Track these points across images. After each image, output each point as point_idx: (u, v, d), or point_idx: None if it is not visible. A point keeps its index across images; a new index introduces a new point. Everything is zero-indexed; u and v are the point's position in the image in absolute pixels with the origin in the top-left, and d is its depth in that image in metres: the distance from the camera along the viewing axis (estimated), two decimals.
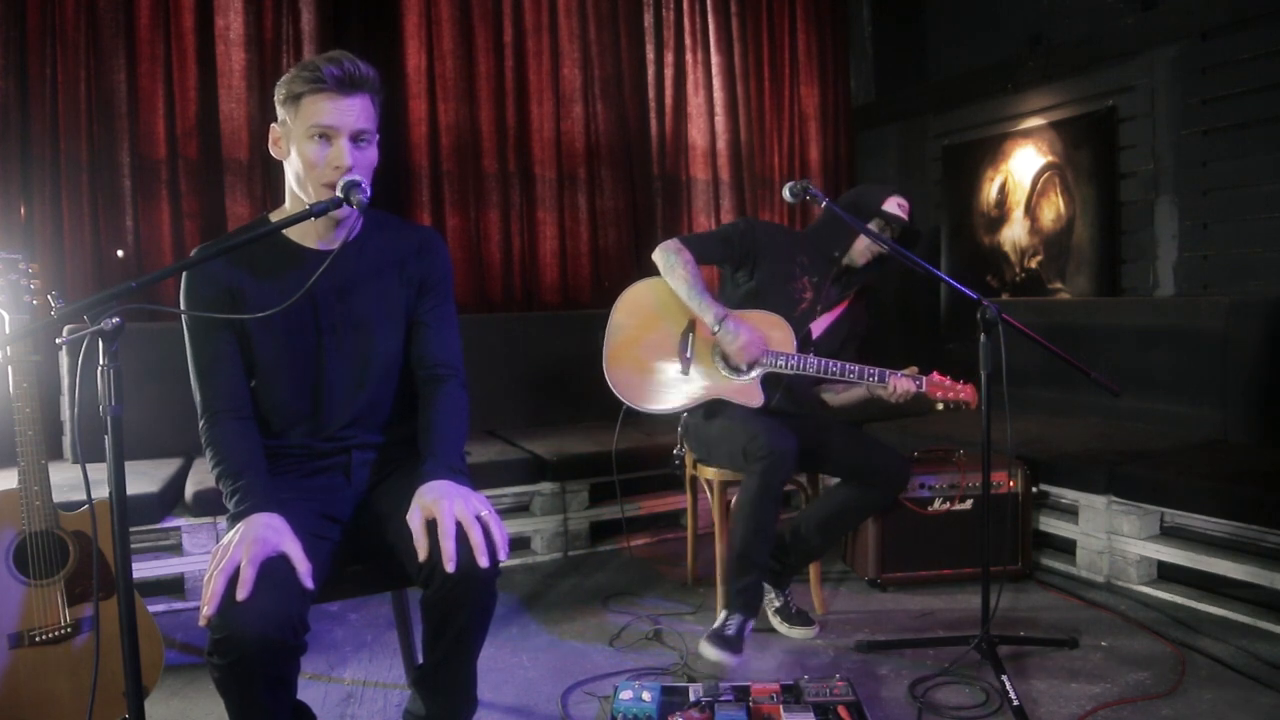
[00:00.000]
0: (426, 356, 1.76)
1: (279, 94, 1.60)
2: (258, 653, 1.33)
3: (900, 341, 5.10)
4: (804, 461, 2.42)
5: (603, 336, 2.53)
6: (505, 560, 1.49)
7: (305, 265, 1.64)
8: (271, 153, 1.66)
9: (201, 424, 1.62)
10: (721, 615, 2.33)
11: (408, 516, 1.49)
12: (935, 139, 5.02)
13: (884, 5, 5.40)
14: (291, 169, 1.62)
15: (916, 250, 2.40)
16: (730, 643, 2.23)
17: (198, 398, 1.64)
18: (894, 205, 2.59)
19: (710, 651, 2.23)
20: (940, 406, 2.43)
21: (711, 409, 2.51)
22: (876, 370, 2.43)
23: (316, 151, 1.57)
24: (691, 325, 2.53)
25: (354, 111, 1.58)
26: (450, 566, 1.41)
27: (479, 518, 1.48)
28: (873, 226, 2.51)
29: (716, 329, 2.39)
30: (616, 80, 4.47)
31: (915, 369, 2.45)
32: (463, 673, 1.64)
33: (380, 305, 1.72)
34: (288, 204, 1.69)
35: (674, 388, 2.50)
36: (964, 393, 2.42)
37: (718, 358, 2.50)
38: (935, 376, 2.44)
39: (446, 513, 1.45)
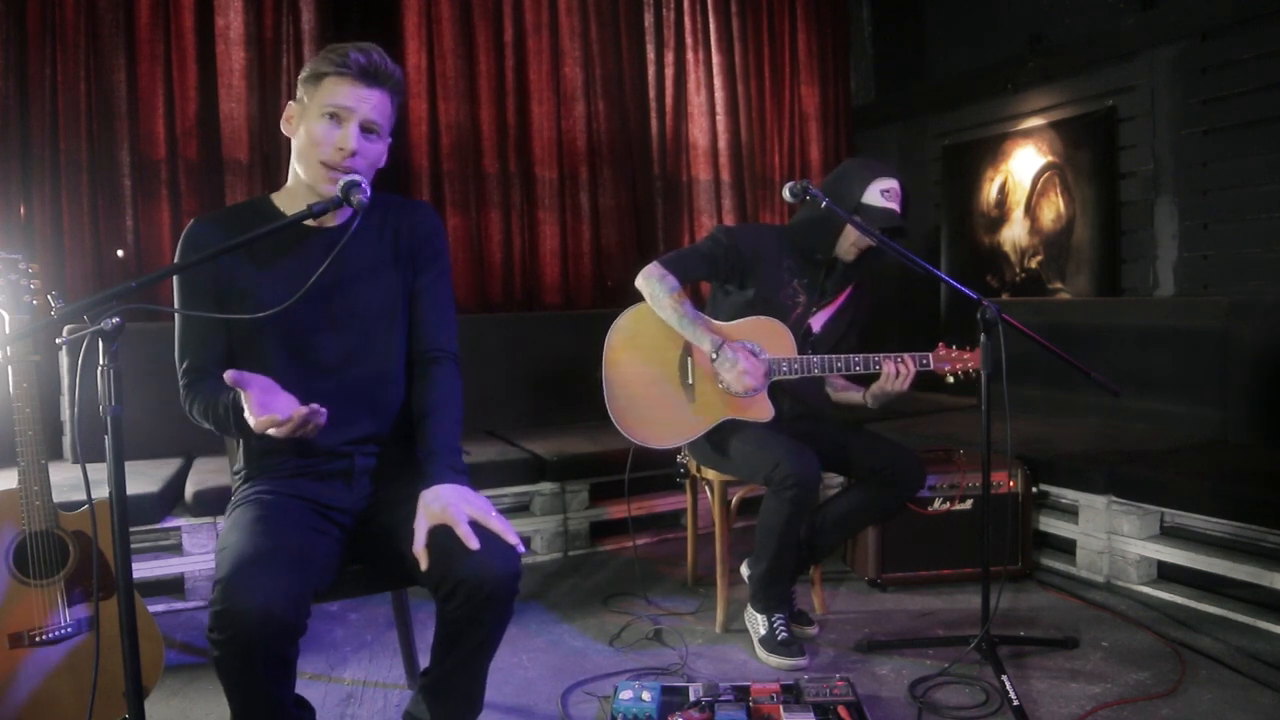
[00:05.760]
0: (422, 336, 1.77)
1: (303, 73, 1.63)
2: (258, 627, 1.31)
3: (900, 342, 5.07)
4: (822, 466, 2.34)
5: (600, 374, 2.43)
6: (523, 553, 1.53)
7: (305, 242, 1.66)
8: (282, 129, 1.67)
9: (182, 385, 1.64)
10: (761, 620, 2.39)
11: (415, 524, 1.52)
12: (935, 139, 5.02)
13: (884, 5, 5.40)
14: (297, 145, 1.64)
15: (902, 244, 2.27)
16: (790, 646, 2.33)
17: (180, 367, 1.65)
18: (876, 194, 2.36)
19: (778, 660, 2.32)
20: (951, 380, 2.37)
21: (722, 428, 2.43)
22: (879, 356, 2.36)
23: (325, 130, 1.59)
24: (688, 349, 2.43)
25: (370, 101, 1.60)
26: (474, 545, 1.45)
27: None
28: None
29: (714, 356, 2.33)
30: (617, 79, 4.47)
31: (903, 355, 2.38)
32: (475, 681, 1.63)
33: (374, 289, 1.71)
34: (290, 182, 1.70)
35: (684, 419, 2.43)
36: (973, 360, 2.32)
37: (720, 379, 2.41)
38: (941, 350, 2.37)
39: (460, 517, 1.49)
